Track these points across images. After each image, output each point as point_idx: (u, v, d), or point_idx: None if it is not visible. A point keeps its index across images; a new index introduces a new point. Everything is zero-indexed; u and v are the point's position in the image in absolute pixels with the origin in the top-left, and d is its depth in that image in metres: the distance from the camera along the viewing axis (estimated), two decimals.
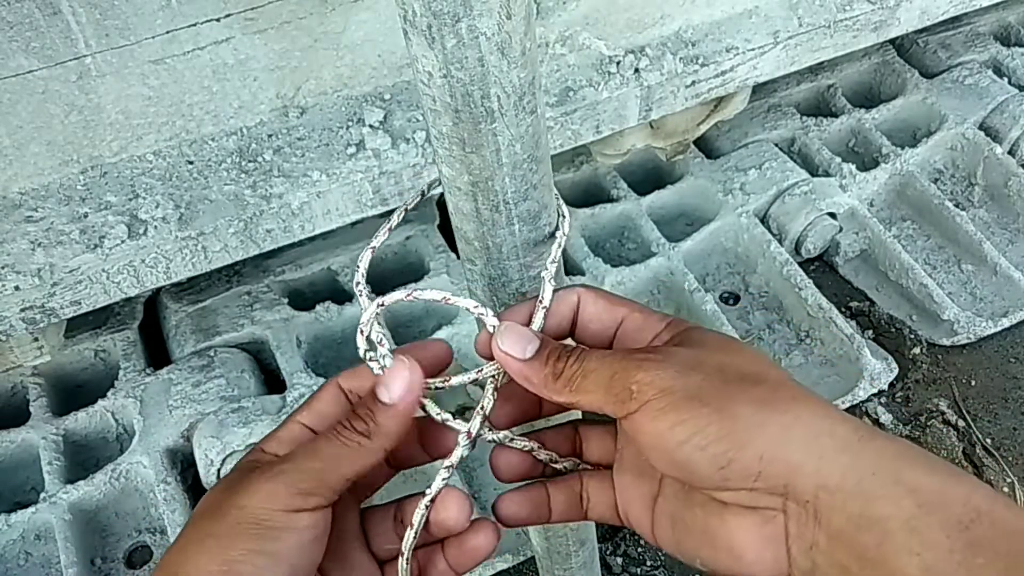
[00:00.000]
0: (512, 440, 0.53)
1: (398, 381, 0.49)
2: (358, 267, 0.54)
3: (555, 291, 0.52)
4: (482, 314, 0.51)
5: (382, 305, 0.52)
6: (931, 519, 0.39)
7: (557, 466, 0.55)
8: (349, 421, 0.49)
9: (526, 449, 0.54)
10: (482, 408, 0.52)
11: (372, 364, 0.52)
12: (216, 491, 0.48)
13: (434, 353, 0.54)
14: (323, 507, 0.47)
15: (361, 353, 0.52)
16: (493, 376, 0.52)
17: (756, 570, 0.44)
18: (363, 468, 0.49)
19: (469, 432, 0.51)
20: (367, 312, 0.52)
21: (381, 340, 0.52)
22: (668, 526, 0.50)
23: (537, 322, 0.51)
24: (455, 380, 0.52)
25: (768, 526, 0.43)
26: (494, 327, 0.50)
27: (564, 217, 0.54)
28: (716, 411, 0.43)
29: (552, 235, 0.52)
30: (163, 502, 1.20)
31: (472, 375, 0.52)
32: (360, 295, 0.53)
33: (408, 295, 0.52)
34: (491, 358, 0.51)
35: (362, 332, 0.52)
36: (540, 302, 0.51)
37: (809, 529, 0.42)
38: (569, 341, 0.53)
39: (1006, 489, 1.33)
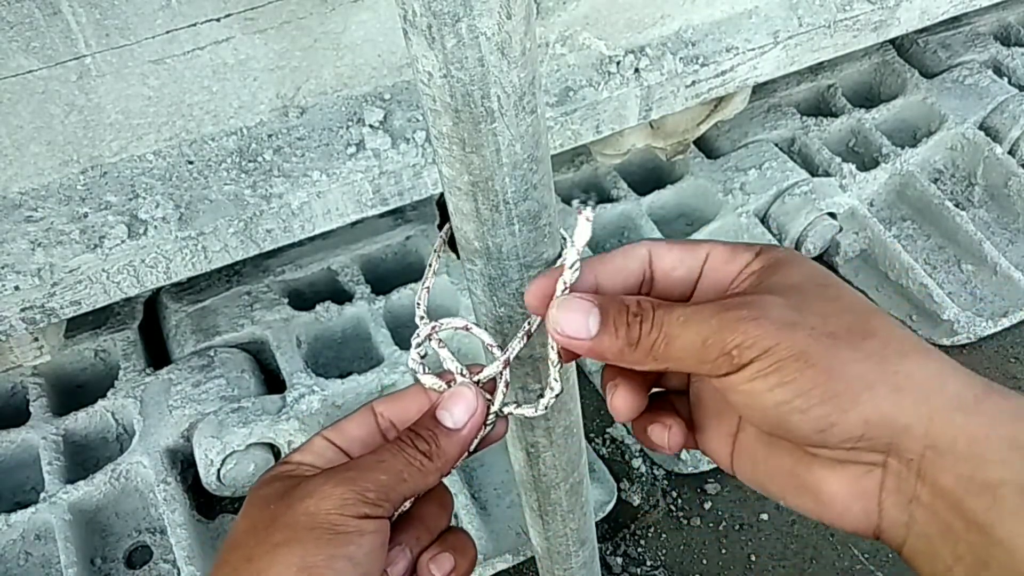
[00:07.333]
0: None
1: (461, 405, 0.49)
2: (419, 304, 0.53)
3: (620, 248, 0.49)
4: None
5: (435, 329, 0.51)
6: None
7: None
8: (411, 439, 0.48)
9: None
10: (525, 333, 0.51)
11: (426, 379, 0.51)
12: (263, 505, 0.46)
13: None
14: (385, 518, 0.46)
15: (412, 372, 0.52)
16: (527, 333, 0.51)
17: (843, 521, 0.43)
18: (421, 489, 0.48)
19: (507, 359, 0.50)
20: (420, 334, 0.51)
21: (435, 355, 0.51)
22: (749, 465, 0.48)
23: (559, 291, 0.46)
24: (487, 372, 0.51)
25: (863, 480, 0.42)
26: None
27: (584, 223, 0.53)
28: (823, 372, 0.40)
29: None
30: (163, 502, 1.20)
31: (503, 356, 0.51)
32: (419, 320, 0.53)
33: (463, 326, 0.52)
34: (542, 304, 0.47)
35: (414, 356, 0.51)
36: (563, 268, 0.46)
37: (910, 484, 0.40)
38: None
39: None
